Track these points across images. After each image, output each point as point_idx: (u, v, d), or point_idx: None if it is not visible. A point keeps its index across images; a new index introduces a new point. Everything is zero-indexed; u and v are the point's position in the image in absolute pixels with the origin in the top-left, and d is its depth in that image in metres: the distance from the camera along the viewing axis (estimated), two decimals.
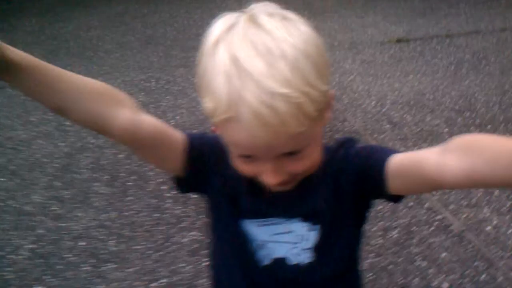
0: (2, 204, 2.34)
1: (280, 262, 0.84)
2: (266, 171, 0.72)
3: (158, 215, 2.19)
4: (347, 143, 0.82)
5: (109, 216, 2.19)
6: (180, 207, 2.22)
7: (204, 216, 2.02)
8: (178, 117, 3.08)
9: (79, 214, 2.21)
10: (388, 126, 2.79)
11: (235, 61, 0.65)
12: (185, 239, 2.02)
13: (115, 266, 1.90)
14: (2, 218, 2.22)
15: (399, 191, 0.76)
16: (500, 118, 2.79)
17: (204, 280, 1.76)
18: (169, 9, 5.58)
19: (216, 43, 0.68)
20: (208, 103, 0.70)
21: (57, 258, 1.97)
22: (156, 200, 2.29)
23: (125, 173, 2.51)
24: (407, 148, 2.46)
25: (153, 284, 1.81)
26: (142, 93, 3.44)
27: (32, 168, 2.62)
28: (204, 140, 0.84)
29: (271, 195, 0.80)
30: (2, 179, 2.55)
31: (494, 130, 2.64)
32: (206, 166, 0.82)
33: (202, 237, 2.00)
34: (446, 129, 2.71)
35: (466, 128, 2.68)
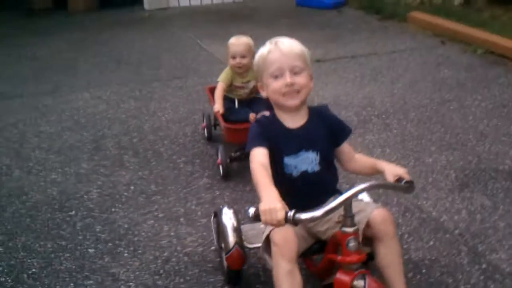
0: (61, 170, 3.44)
1: (303, 172, 1.89)
2: (286, 78, 1.80)
3: (176, 172, 3.39)
4: (325, 106, 2.02)
5: (143, 173, 3.36)
6: (190, 167, 3.43)
7: (208, 170, 3.26)
8: (166, 115, 4.26)
9: (123, 173, 3.37)
10: None
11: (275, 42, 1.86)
12: (200, 183, 3.23)
13: (160, 197, 3.08)
14: (77, 179, 3.32)
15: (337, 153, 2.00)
16: (390, 110, 4.23)
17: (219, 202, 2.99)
18: (126, 36, 6.72)
19: (264, 46, 1.88)
20: (260, 62, 1.86)
21: (118, 195, 3.12)
22: (172, 164, 3.48)
23: (142, 150, 3.68)
24: None
25: (188, 204, 3.00)
26: (132, 100, 4.59)
27: (71, 149, 3.72)
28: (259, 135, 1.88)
29: (295, 137, 1.86)
30: (52, 156, 3.64)
31: (386, 118, 4.06)
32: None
33: (210, 182, 3.22)
34: (355, 118, 4.10)
35: (368, 118, 4.08)
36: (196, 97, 4.56)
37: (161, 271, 2.44)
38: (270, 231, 1.81)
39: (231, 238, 2.17)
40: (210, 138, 3.70)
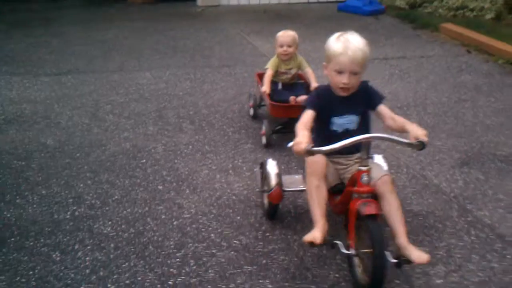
0: (132, 130, 4.21)
1: (346, 130, 2.52)
2: (345, 77, 2.41)
3: (226, 138, 4.13)
4: (366, 82, 2.58)
5: (198, 137, 4.11)
6: (237, 135, 4.17)
7: (252, 138, 3.98)
8: (217, 95, 5.01)
9: (182, 136, 4.13)
10: None
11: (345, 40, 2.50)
12: (246, 147, 3.96)
13: (212, 154, 3.83)
14: (145, 137, 4.09)
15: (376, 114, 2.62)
16: (411, 104, 4.89)
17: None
18: (181, 27, 7.54)
19: (334, 37, 2.54)
20: (334, 57, 2.43)
21: (179, 151, 3.87)
22: (222, 132, 4.23)
23: (198, 120, 4.43)
24: None
25: (235, 161, 3.73)
26: (188, 82, 5.36)
27: (139, 116, 4.51)
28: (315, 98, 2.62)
29: (342, 103, 2.50)
30: (123, 120, 4.43)
31: (407, 109, 4.72)
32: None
33: (254, 147, 3.94)
34: (398, 106, 4.77)
35: (391, 108, 4.74)
36: (243, 82, 5.31)
37: (215, 204, 3.18)
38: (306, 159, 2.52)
39: (273, 181, 2.84)
40: (255, 116, 4.39)
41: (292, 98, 3.89)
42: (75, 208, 3.13)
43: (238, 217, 3.05)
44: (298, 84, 4.16)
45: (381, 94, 2.66)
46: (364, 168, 2.39)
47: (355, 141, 2.36)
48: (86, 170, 3.58)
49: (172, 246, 2.79)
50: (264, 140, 3.92)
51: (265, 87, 3.97)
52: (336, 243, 2.43)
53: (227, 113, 4.56)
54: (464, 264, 2.67)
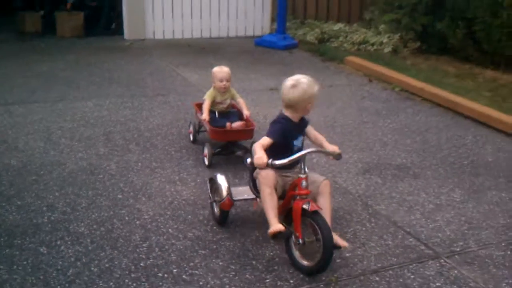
0: (85, 151, 4.86)
1: (297, 148, 3.31)
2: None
3: (169, 156, 4.86)
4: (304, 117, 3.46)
5: (145, 156, 4.81)
6: (179, 154, 4.92)
7: (193, 156, 4.75)
8: (156, 121, 5.75)
9: (130, 155, 4.82)
10: None
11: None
12: (188, 163, 4.73)
13: (160, 169, 4.56)
14: (98, 157, 4.75)
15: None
16: (323, 126, 5.84)
17: None
18: (113, 60, 8.20)
19: (287, 80, 3.38)
20: (282, 97, 3.33)
21: (130, 168, 4.57)
22: (165, 151, 4.96)
23: (142, 142, 5.13)
24: None
25: (181, 174, 4.49)
26: (127, 109, 6.06)
27: (89, 139, 5.15)
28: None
29: (295, 130, 3.36)
30: (75, 143, 5.06)
31: (319, 130, 5.66)
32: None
33: (195, 163, 4.72)
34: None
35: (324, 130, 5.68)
36: (177, 109, 6.08)
37: (168, 207, 3.92)
38: (259, 173, 3.27)
39: (224, 192, 3.48)
40: (195, 141, 5.07)
41: (228, 124, 4.64)
42: (50, 214, 3.76)
43: (189, 216, 3.81)
44: (232, 112, 4.88)
45: (307, 121, 3.53)
46: (303, 176, 3.14)
47: (302, 154, 3.16)
48: (52, 184, 4.20)
49: (138, 239, 3.50)
50: (206, 161, 4.59)
51: (205, 115, 4.62)
52: (292, 231, 3.13)
53: (167, 135, 5.31)
54: (366, 243, 3.58)
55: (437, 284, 3.15)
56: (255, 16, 10.45)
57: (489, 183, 4.51)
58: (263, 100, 6.51)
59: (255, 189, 3.47)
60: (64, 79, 7.09)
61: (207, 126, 4.63)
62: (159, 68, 7.90)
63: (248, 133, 4.65)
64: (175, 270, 3.19)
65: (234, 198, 3.54)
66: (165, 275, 3.14)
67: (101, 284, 3.04)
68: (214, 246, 3.45)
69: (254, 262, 3.30)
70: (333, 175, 4.54)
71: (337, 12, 11.36)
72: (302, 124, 3.45)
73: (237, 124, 4.69)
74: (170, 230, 3.62)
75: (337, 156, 3.35)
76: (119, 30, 9.78)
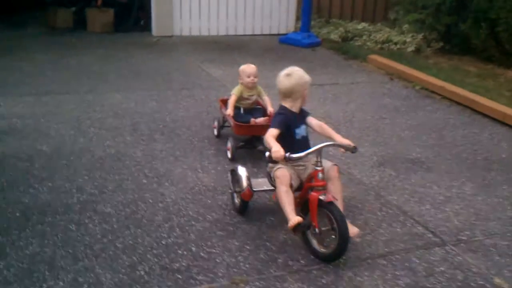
0: (112, 139, 5.13)
1: (301, 136, 3.52)
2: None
3: (192, 146, 5.11)
4: (304, 109, 3.65)
5: (169, 145, 5.05)
6: (201, 143, 5.16)
7: (214, 146, 4.99)
8: (180, 113, 5.99)
9: (156, 144, 5.07)
10: None
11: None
12: (209, 152, 4.96)
13: (183, 158, 4.80)
14: (125, 145, 5.02)
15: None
16: (341, 121, 6.03)
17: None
18: (141, 55, 8.50)
19: (281, 72, 3.64)
20: (279, 86, 3.56)
21: (155, 155, 4.82)
22: (189, 141, 5.20)
23: (167, 132, 5.38)
24: None
25: (202, 162, 4.73)
26: (154, 102, 6.31)
27: (116, 128, 5.42)
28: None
29: (297, 119, 3.54)
30: (103, 131, 5.33)
31: (338, 125, 5.85)
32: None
33: (216, 153, 4.95)
34: (330, 122, 5.88)
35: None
36: (201, 103, 6.33)
37: (190, 192, 4.15)
38: (274, 172, 3.43)
39: (245, 183, 3.63)
40: (219, 136, 5.20)
41: (252, 119, 4.74)
42: (79, 195, 4.03)
43: (209, 201, 4.04)
44: (257, 109, 4.98)
45: (308, 111, 3.71)
46: (319, 168, 3.31)
47: (318, 148, 3.30)
48: (81, 169, 4.47)
49: (161, 220, 3.74)
50: (229, 154, 4.73)
51: (230, 110, 4.76)
52: (310, 223, 3.30)
53: (191, 127, 5.55)
54: (376, 229, 3.76)
55: (441, 268, 3.32)
56: (280, 15, 10.65)
57: (500, 178, 4.64)
58: None
59: (271, 180, 3.63)
60: (93, 73, 7.39)
61: (231, 121, 4.77)
62: (185, 63, 8.16)
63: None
64: (194, 248, 3.42)
65: (254, 189, 3.69)
66: (185, 252, 3.37)
67: (125, 258, 3.28)
68: (231, 228, 3.67)
69: (268, 244, 3.51)
70: (348, 167, 4.72)
71: (362, 12, 11.49)
72: (303, 114, 3.62)
73: (260, 120, 4.78)
74: (190, 212, 3.85)
75: (353, 149, 3.46)
76: (148, 27, 10.07)
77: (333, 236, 3.23)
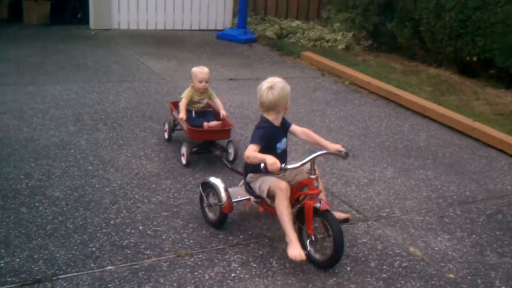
0: (56, 129, 5.31)
1: (281, 150, 3.51)
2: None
3: (135, 135, 5.37)
4: (285, 119, 3.62)
5: (112, 134, 5.30)
6: (143, 133, 5.43)
7: (156, 135, 5.27)
8: (121, 104, 6.22)
9: (99, 133, 5.30)
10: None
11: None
12: (152, 141, 5.24)
13: (126, 146, 5.06)
14: (69, 134, 5.21)
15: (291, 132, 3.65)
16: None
17: None
18: (79, 48, 8.59)
19: (262, 83, 3.52)
20: (261, 100, 3.46)
21: (99, 144, 5.06)
22: (131, 131, 5.46)
23: (109, 122, 5.61)
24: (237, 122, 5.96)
25: (146, 150, 5.01)
26: (94, 93, 6.50)
27: (59, 118, 5.60)
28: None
29: (279, 133, 3.50)
30: (47, 121, 5.50)
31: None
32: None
33: (158, 142, 5.24)
34: (253, 115, 6.25)
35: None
36: (141, 95, 6.57)
37: (134, 178, 4.43)
38: (269, 186, 3.35)
39: (224, 196, 3.53)
40: (169, 139, 5.13)
41: (205, 123, 4.68)
42: (27, 181, 4.23)
43: (153, 185, 4.34)
44: (208, 111, 4.93)
45: (289, 122, 3.69)
46: (313, 176, 3.31)
47: (313, 158, 3.32)
48: (27, 157, 4.65)
49: (108, 202, 4.01)
50: (184, 160, 4.66)
51: (182, 114, 4.66)
52: (308, 250, 3.34)
53: (132, 117, 5.80)
54: None
55: (363, 240, 3.77)
56: (217, 11, 10.97)
57: (418, 163, 5.18)
58: (223, 89, 7.05)
59: (251, 190, 3.59)
60: (33, 65, 7.47)
61: (185, 125, 4.70)
62: (124, 56, 8.35)
63: (226, 132, 4.74)
64: (141, 227, 3.71)
65: (234, 200, 3.61)
66: (132, 231, 3.66)
67: (76, 237, 3.54)
68: (175, 209, 3.99)
69: None
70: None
71: (296, 10, 11.96)
72: (284, 127, 3.59)
73: (214, 124, 4.72)
74: (136, 196, 4.14)
75: (345, 156, 3.45)
76: (85, 20, 10.14)
77: (329, 243, 3.30)
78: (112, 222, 3.74)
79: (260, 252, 3.53)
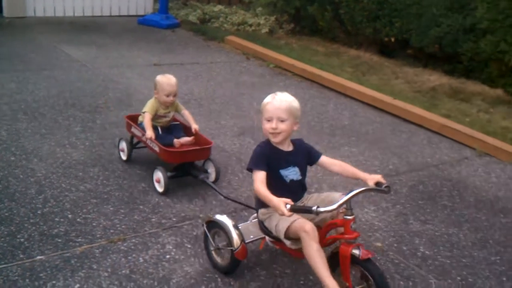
0: None
1: (292, 180, 2.90)
2: (272, 123, 2.82)
3: (57, 124, 5.23)
4: (301, 139, 3.07)
5: (34, 124, 5.15)
6: (67, 122, 5.29)
7: (81, 123, 5.15)
8: (41, 93, 6.03)
9: (20, 123, 5.12)
10: None
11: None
12: (76, 128, 5.13)
13: (50, 135, 4.93)
14: None
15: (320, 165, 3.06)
16: (204, 97, 6.45)
17: None
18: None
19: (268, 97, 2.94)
20: (264, 108, 2.88)
21: (20, 134, 4.90)
22: (53, 120, 5.31)
23: (30, 112, 5.44)
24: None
25: (70, 139, 4.90)
26: (13, 83, 6.25)
27: None
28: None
29: (286, 157, 2.88)
30: None
31: (200, 101, 6.25)
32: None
33: (83, 128, 5.13)
34: (180, 101, 6.23)
35: (188, 100, 6.24)
36: (62, 83, 6.39)
37: (60, 167, 4.33)
38: (289, 226, 2.75)
39: (237, 237, 2.95)
40: (129, 159, 4.42)
41: (175, 141, 4.08)
42: None
43: (80, 173, 4.25)
44: (175, 125, 4.34)
45: (318, 152, 3.09)
46: (350, 217, 2.69)
47: (350, 197, 2.67)
48: None
49: (34, 193, 3.90)
50: (160, 188, 3.99)
51: (150, 133, 4.00)
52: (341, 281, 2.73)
53: (54, 106, 5.64)
54: (238, 188, 4.24)
55: None
56: None
57: (343, 141, 5.36)
58: (148, 74, 6.97)
59: (265, 228, 3.02)
60: None
61: (157, 146, 4.00)
62: (42, 44, 8.06)
63: (206, 151, 4.15)
64: (70, 215, 3.65)
65: (247, 241, 3.05)
66: (61, 220, 3.59)
67: (3, 228, 3.43)
68: (105, 196, 3.94)
69: (141, 207, 3.83)
70: (212, 137, 5.13)
71: None
72: (297, 153, 2.98)
73: (185, 140, 4.16)
74: (63, 184, 4.05)
75: (387, 191, 2.82)
76: None
77: None
78: (39, 212, 3.65)
79: (194, 233, 3.56)
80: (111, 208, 3.78)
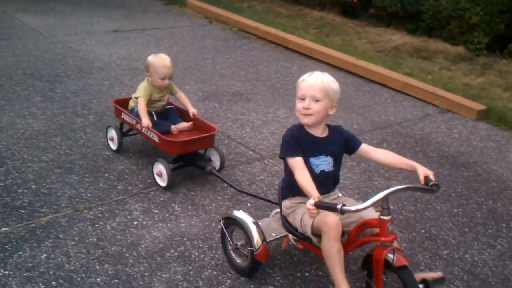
0: None
1: (322, 171, 2.56)
2: (305, 103, 2.48)
3: (16, 94, 5.10)
4: (340, 126, 2.69)
5: None
6: (26, 91, 5.17)
7: (41, 92, 5.04)
8: (0, 62, 5.88)
9: None
10: (119, 63, 6.14)
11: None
12: (36, 99, 5.01)
13: (9, 105, 4.81)
14: None
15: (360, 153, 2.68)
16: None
17: None
18: None
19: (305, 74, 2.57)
20: (298, 85, 2.55)
21: None
22: (12, 91, 5.18)
23: None
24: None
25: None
26: (3, 78, 6.09)
27: None
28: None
29: (318, 144, 2.52)
30: None
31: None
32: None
33: (43, 99, 5.02)
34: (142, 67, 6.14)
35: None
36: (20, 52, 6.22)
37: (21, 138, 4.24)
38: (314, 219, 2.43)
39: (258, 236, 2.65)
40: (119, 149, 4.02)
41: (173, 128, 3.76)
42: None
43: (42, 143, 4.18)
44: (170, 109, 3.95)
45: (358, 139, 2.72)
46: (387, 218, 2.37)
47: (387, 194, 2.34)
48: None
49: None
50: (163, 182, 3.63)
51: (146, 120, 3.62)
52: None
53: (12, 76, 5.50)
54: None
55: (261, 177, 3.91)
56: None
57: None
58: (108, 41, 6.85)
59: (289, 225, 2.72)
60: None
61: (156, 136, 3.64)
62: None
63: (211, 139, 3.75)
64: (33, 186, 3.59)
65: (268, 240, 2.77)
66: (25, 191, 3.53)
67: None
68: (69, 166, 3.89)
69: (106, 175, 3.80)
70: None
71: None
72: (331, 141, 2.63)
73: (183, 126, 3.83)
74: (25, 155, 3.98)
75: (435, 190, 2.50)
76: None
77: None
78: (1, 184, 3.59)
79: (161, 199, 3.55)
80: (76, 177, 3.73)
